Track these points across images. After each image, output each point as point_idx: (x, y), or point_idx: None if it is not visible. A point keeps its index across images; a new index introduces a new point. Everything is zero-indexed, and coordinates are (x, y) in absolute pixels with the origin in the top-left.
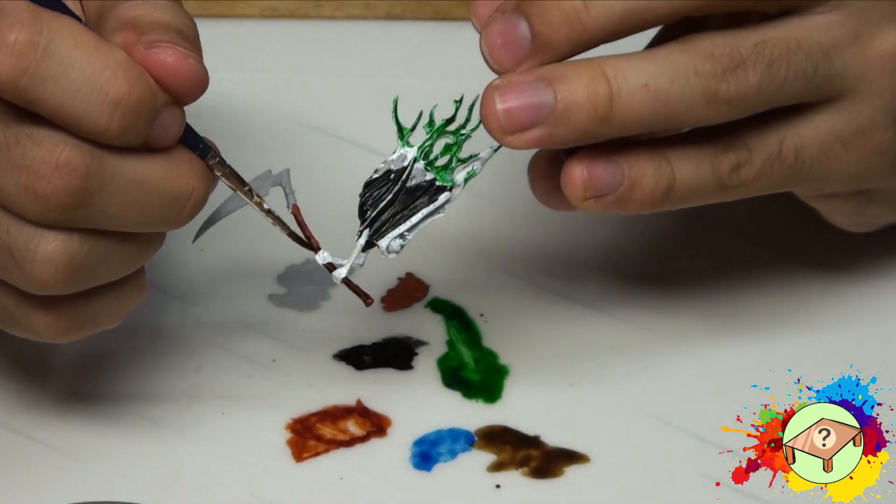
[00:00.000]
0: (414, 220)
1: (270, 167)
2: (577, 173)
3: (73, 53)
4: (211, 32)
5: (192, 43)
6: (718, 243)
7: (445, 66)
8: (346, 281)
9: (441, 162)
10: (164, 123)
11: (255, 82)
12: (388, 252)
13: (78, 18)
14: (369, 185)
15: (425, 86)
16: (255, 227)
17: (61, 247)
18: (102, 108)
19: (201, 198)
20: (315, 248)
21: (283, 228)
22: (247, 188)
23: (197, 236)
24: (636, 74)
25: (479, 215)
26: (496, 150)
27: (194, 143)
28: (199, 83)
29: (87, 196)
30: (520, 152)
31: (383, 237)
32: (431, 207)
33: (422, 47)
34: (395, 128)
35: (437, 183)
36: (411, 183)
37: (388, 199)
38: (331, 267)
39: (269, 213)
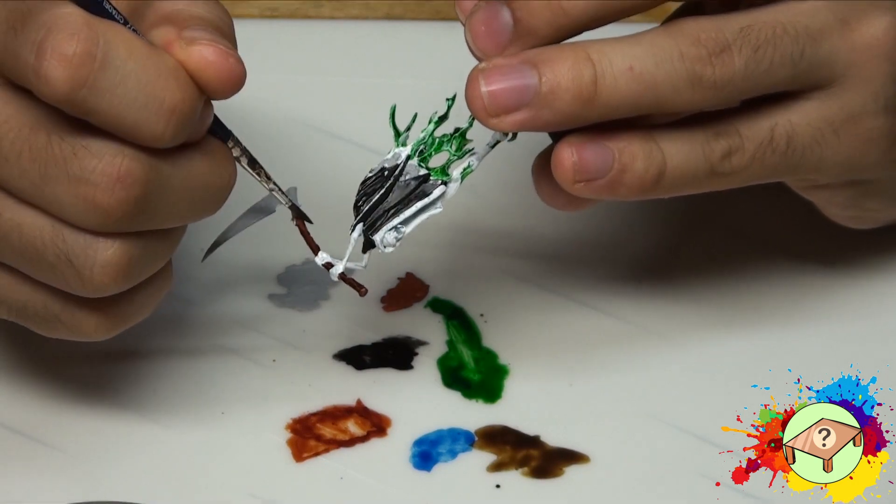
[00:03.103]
0: (408, 212)
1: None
2: (567, 156)
3: (128, 63)
4: None
5: (229, 38)
6: (718, 243)
7: (445, 66)
8: (342, 275)
9: (436, 159)
10: (202, 120)
11: (255, 82)
12: (384, 246)
13: (126, 21)
14: (364, 183)
15: (425, 86)
16: (256, 228)
17: (120, 250)
18: (159, 116)
19: (234, 181)
20: (315, 251)
21: (292, 209)
22: (258, 169)
23: (206, 256)
24: (621, 57)
25: (479, 215)
26: (493, 147)
27: (215, 129)
28: (238, 81)
29: (147, 204)
30: (521, 152)
31: (377, 231)
32: (426, 201)
33: (422, 47)
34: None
35: (432, 178)
36: (405, 178)
37: (381, 194)
38: (329, 266)
39: (280, 191)
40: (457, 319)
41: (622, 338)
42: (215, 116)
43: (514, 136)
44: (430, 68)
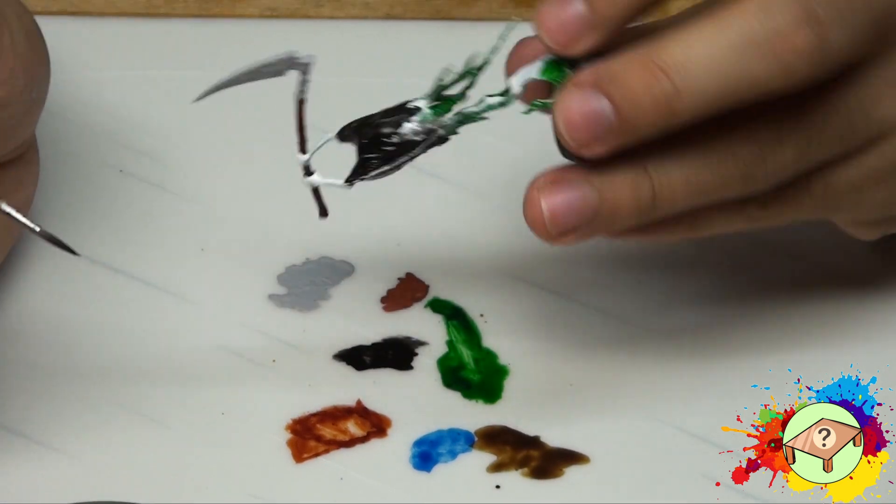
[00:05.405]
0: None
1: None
2: (538, 211)
3: None
4: (211, 32)
5: None
6: (719, 243)
7: (446, 66)
8: (316, 189)
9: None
10: None
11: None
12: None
13: None
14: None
15: (425, 86)
16: (256, 228)
17: None
18: None
19: None
20: (302, 150)
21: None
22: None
23: (200, 98)
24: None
25: (479, 215)
26: (502, 104)
27: None
28: None
29: None
30: (523, 154)
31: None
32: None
33: (422, 47)
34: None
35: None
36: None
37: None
38: (307, 170)
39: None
40: (457, 319)
41: (622, 338)
42: None
43: (520, 98)
44: (430, 68)
